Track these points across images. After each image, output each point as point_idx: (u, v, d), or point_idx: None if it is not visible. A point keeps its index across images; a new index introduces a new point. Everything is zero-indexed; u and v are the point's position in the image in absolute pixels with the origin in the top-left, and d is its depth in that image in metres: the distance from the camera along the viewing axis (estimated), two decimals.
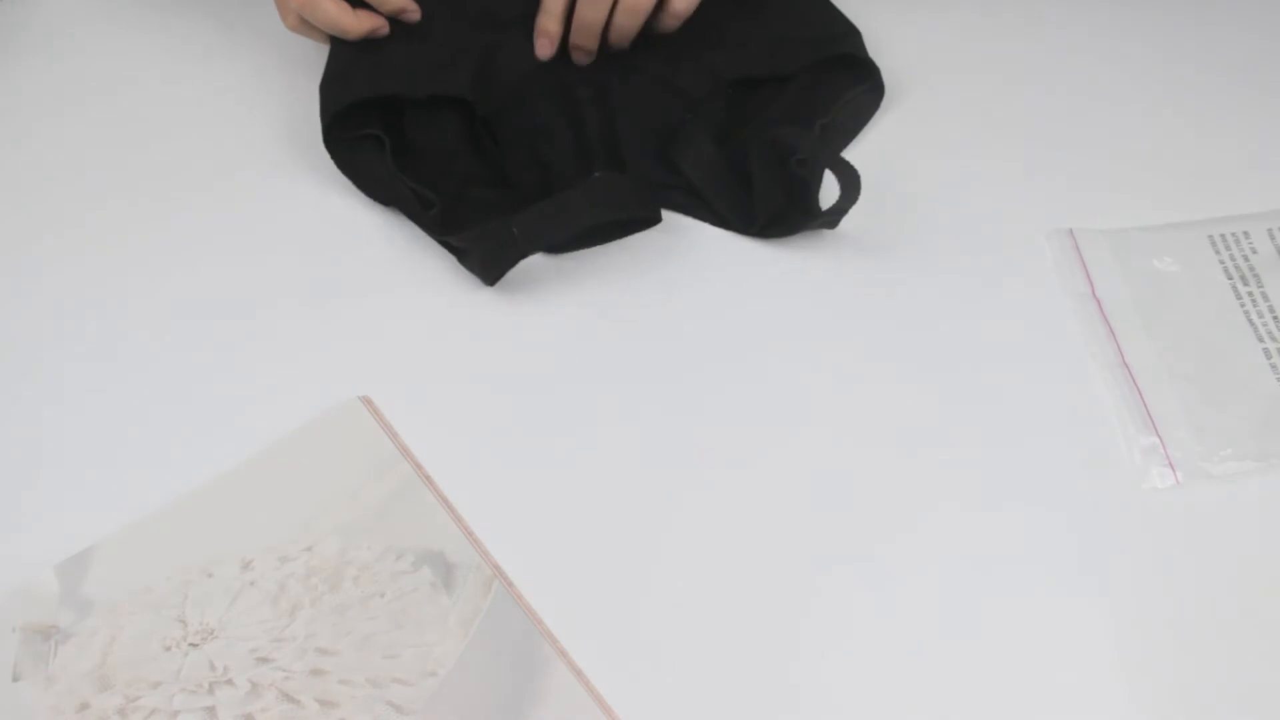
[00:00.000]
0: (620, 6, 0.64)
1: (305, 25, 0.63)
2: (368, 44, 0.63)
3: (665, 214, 0.64)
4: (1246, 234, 0.64)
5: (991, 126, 0.68)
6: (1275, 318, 0.61)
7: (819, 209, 0.63)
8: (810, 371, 0.60)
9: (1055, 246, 0.64)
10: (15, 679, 0.51)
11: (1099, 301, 0.62)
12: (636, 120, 0.66)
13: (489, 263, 0.60)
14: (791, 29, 0.68)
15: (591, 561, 0.54)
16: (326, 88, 0.63)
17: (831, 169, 0.61)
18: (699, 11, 0.65)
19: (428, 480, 0.56)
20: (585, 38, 0.65)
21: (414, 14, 0.64)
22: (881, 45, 0.70)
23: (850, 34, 0.68)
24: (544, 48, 0.66)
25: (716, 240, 0.64)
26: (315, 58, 0.67)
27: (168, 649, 0.51)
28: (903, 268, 0.63)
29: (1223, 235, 0.64)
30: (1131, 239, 0.64)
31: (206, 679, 0.51)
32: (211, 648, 0.51)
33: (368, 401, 0.58)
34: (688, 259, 0.63)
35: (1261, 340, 0.61)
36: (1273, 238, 0.64)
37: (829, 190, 0.63)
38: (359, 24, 0.62)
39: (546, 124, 0.66)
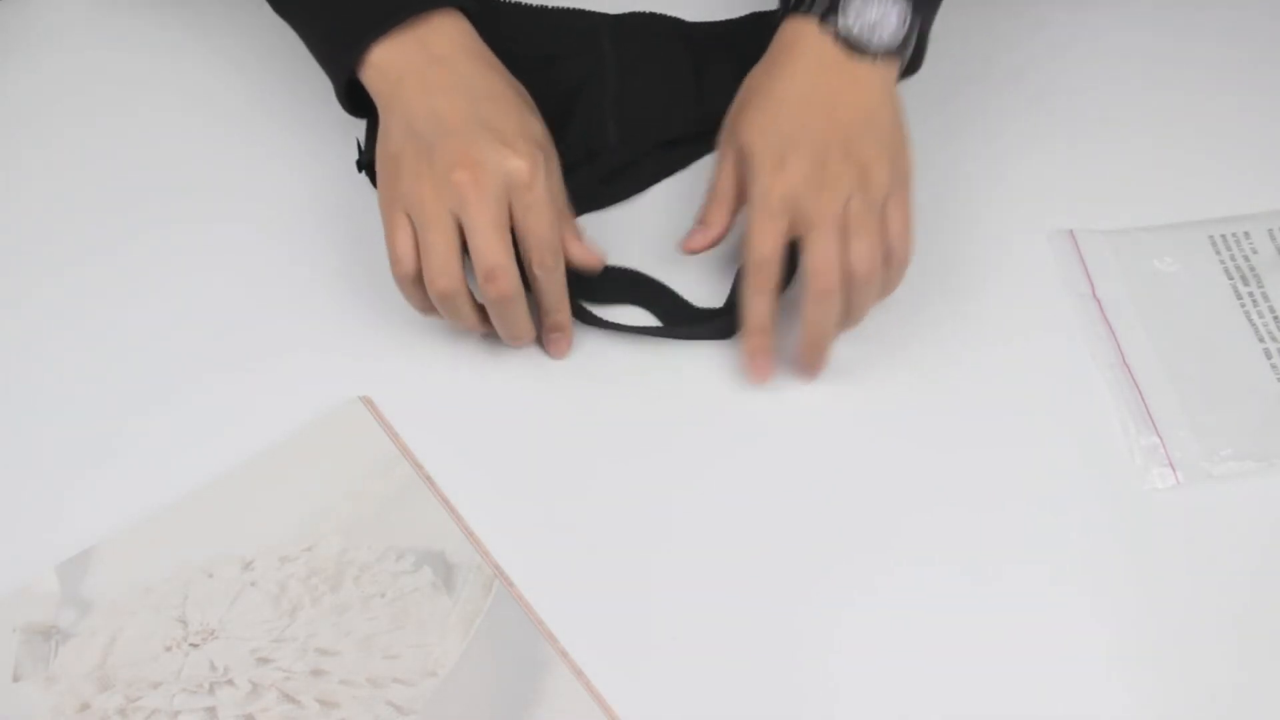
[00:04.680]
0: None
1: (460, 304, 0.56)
2: None
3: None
4: (1246, 234, 0.64)
5: (992, 127, 0.68)
6: (1275, 318, 0.61)
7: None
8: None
9: (1055, 246, 0.64)
10: (16, 679, 0.51)
11: (1099, 301, 0.62)
12: (651, 89, 0.66)
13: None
14: None
15: (591, 562, 0.54)
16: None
17: None
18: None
19: (428, 480, 0.56)
20: (816, 352, 0.58)
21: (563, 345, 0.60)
22: None
23: None
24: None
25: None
26: None
27: (168, 649, 0.51)
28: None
29: (1223, 235, 0.64)
30: (1132, 239, 0.64)
31: (207, 679, 0.51)
32: (212, 648, 0.51)
33: (368, 401, 0.58)
34: (687, 261, 0.63)
35: (1261, 340, 0.61)
36: (1273, 238, 0.64)
37: None
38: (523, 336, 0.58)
39: (570, 80, 0.66)
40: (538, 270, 0.55)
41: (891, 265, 0.56)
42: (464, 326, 0.57)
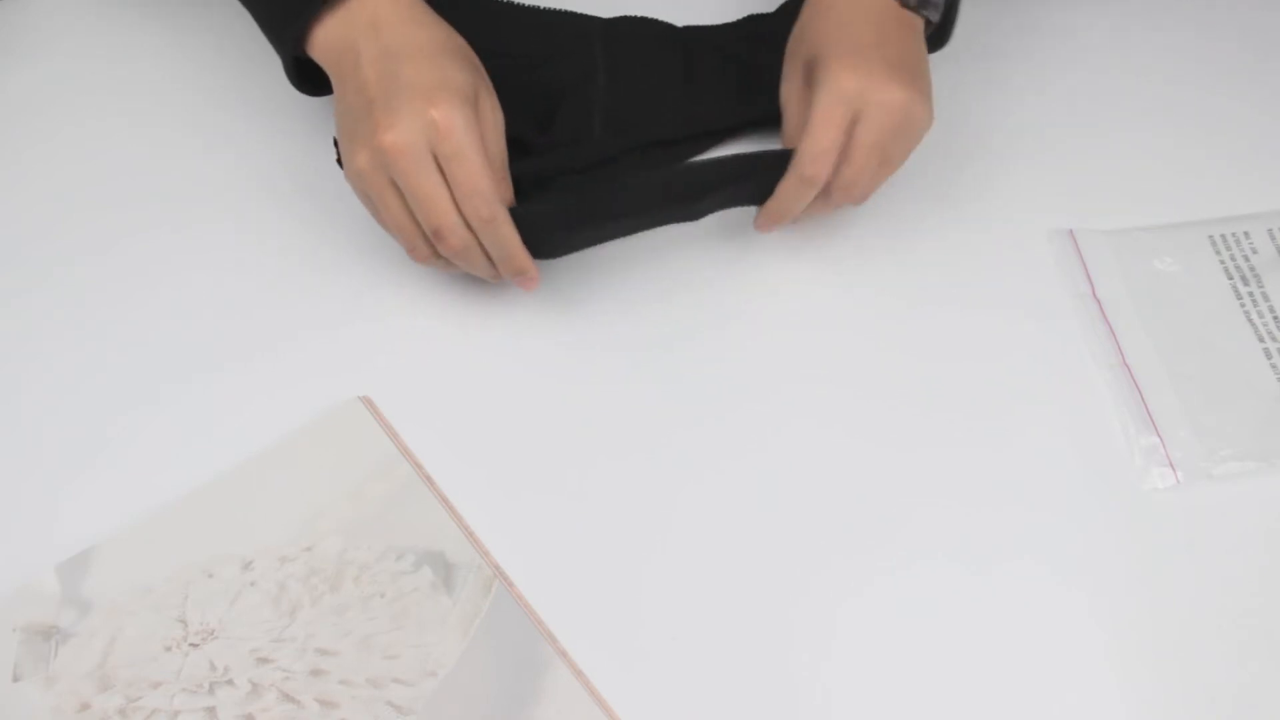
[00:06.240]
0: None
1: (440, 259, 0.57)
2: None
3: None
4: (1246, 234, 0.64)
5: (992, 127, 0.68)
6: (1275, 318, 0.61)
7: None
8: (809, 372, 0.60)
9: (1055, 246, 0.64)
10: (16, 679, 0.51)
11: (1099, 302, 0.62)
12: (642, 92, 0.66)
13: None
14: None
15: (591, 561, 0.54)
16: None
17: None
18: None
19: (428, 480, 0.56)
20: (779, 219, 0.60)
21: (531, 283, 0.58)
22: None
23: None
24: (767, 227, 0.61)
25: (714, 241, 0.64)
26: None
27: (168, 649, 0.51)
28: (903, 268, 0.63)
29: (1223, 235, 0.64)
30: (1132, 239, 0.64)
31: (207, 679, 0.51)
32: (212, 648, 0.51)
33: (368, 401, 0.58)
34: (685, 257, 0.63)
35: (1261, 340, 0.61)
36: (1273, 238, 0.64)
37: None
38: (529, 272, 0.57)
39: (558, 79, 0.66)
40: (473, 223, 0.54)
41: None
42: (523, 268, 0.57)
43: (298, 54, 0.57)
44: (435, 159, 0.53)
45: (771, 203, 0.59)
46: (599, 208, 0.58)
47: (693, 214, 0.59)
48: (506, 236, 0.55)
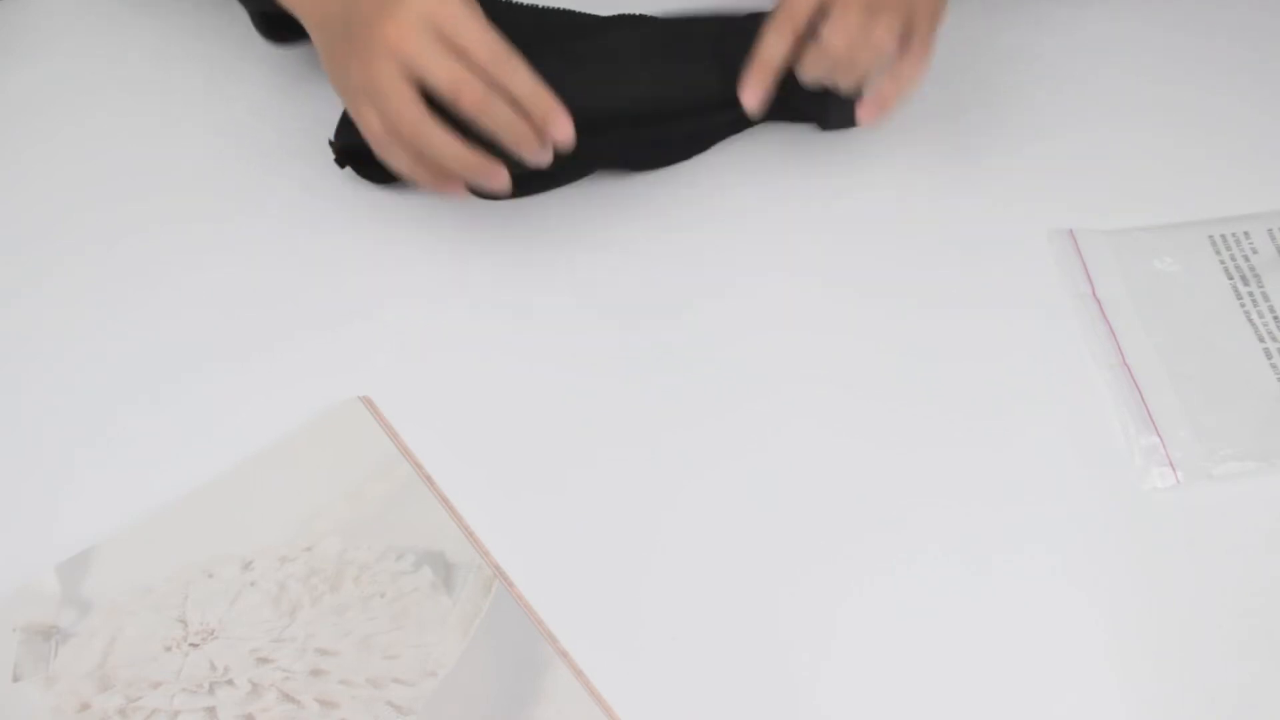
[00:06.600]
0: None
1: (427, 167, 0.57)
2: None
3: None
4: (1246, 234, 0.64)
5: (992, 126, 0.68)
6: (1275, 318, 0.61)
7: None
8: (809, 372, 0.60)
9: (1056, 246, 0.64)
10: (16, 679, 0.51)
11: (1099, 301, 0.62)
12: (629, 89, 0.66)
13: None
14: None
15: (591, 561, 0.54)
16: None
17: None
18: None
19: (428, 480, 0.56)
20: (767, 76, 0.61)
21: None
22: None
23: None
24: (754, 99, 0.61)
25: (715, 240, 0.64)
26: (315, 58, 0.67)
27: (168, 649, 0.51)
28: (903, 267, 0.63)
29: (1223, 235, 0.64)
30: (1132, 239, 0.64)
31: (207, 679, 0.51)
32: (212, 648, 0.51)
33: (368, 401, 0.58)
34: (685, 256, 0.63)
35: (1261, 340, 0.61)
36: (1273, 238, 0.64)
37: None
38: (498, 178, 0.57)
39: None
40: (499, 79, 0.54)
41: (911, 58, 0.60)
42: (461, 169, 0.56)
43: (265, 9, 0.58)
44: (439, 36, 0.54)
45: (757, 54, 0.60)
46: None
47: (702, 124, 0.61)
48: (530, 79, 0.55)
